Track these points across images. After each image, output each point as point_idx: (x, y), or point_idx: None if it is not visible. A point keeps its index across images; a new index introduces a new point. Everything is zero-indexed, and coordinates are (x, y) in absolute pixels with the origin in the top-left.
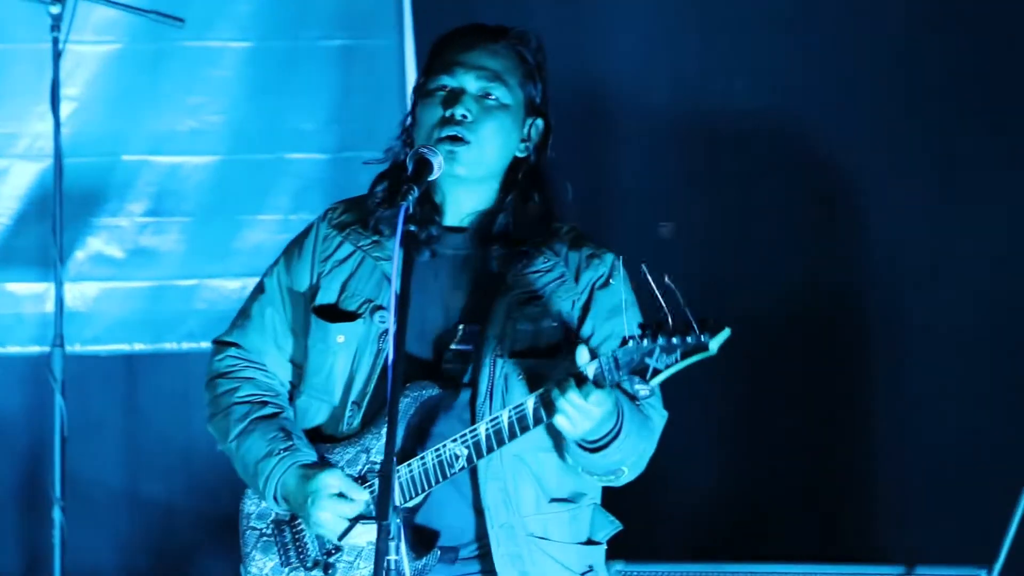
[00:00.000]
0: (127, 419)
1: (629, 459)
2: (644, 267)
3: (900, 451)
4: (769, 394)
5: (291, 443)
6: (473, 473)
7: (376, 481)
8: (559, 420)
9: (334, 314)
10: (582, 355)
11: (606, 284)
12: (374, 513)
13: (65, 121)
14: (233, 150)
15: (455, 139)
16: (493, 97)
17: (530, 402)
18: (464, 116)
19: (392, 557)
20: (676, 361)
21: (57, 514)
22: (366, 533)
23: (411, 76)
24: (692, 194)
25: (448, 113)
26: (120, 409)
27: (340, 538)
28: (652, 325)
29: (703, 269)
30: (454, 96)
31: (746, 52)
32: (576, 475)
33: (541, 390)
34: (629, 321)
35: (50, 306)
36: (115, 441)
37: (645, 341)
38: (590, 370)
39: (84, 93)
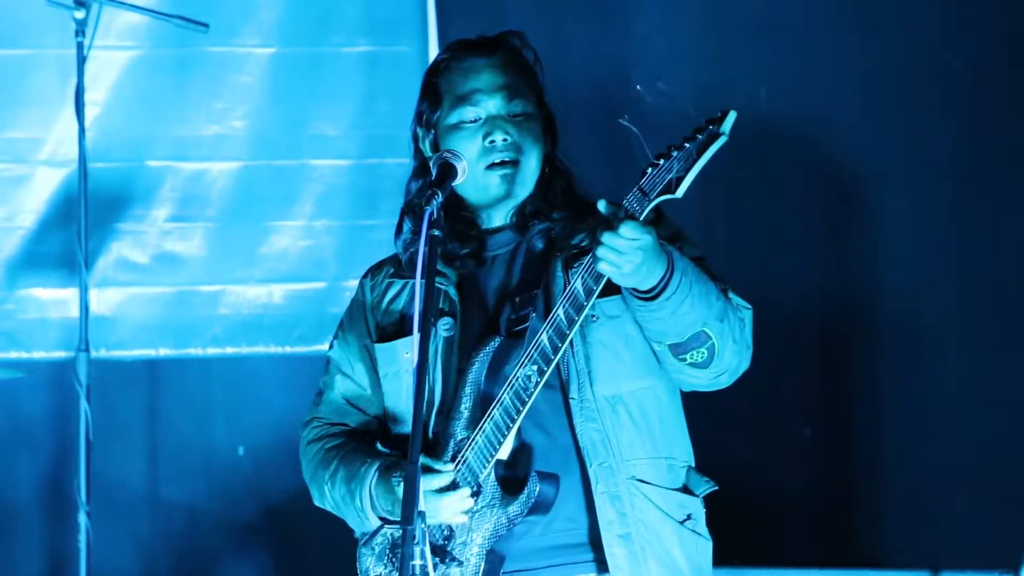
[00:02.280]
0: (151, 424)
1: (708, 318)
2: (660, 83)
3: (925, 454)
4: (788, 396)
5: (367, 457)
6: (571, 426)
7: (468, 455)
8: (606, 270)
9: (396, 336)
10: (601, 203)
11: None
12: (467, 480)
13: (89, 126)
14: (257, 156)
15: (505, 163)
16: (519, 112)
17: (577, 282)
18: (506, 139)
19: (417, 562)
20: (694, 161)
21: (83, 519)
22: (457, 503)
23: None
24: (713, 197)
25: (489, 141)
26: (144, 414)
27: (366, 543)
28: (665, 149)
29: (722, 271)
30: (488, 123)
31: (768, 57)
32: (673, 426)
33: (578, 264)
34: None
35: (75, 311)
36: (139, 446)
37: (661, 161)
38: (620, 210)
39: (108, 98)
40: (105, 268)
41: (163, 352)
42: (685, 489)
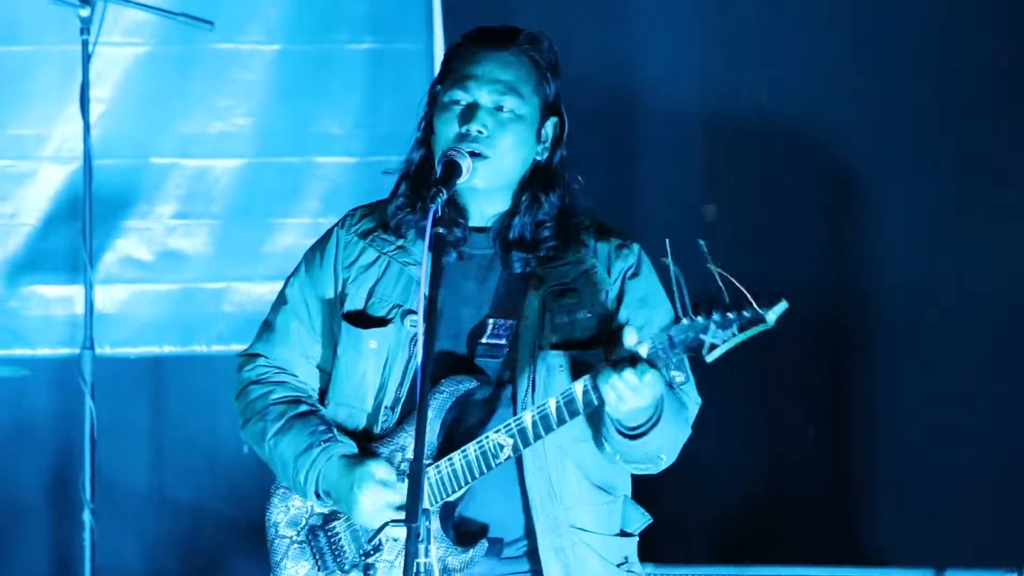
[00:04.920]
0: (155, 421)
1: (666, 446)
2: (701, 243)
3: (928, 452)
4: (791, 395)
5: (331, 435)
6: (519, 466)
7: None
8: (610, 399)
9: (364, 320)
10: (630, 336)
11: (636, 274)
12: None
13: (94, 123)
14: (262, 153)
15: (473, 154)
16: (507, 109)
17: (578, 386)
18: (480, 131)
19: (422, 560)
20: (733, 335)
21: (87, 517)
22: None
23: None
24: (716, 195)
25: (464, 129)
26: (148, 411)
27: (370, 540)
28: (705, 301)
29: (726, 271)
30: (469, 111)
31: (771, 57)
32: (612, 464)
33: (591, 374)
34: (667, 309)
35: (80, 308)
36: (143, 443)
37: (700, 317)
38: (643, 349)
39: (113, 95)
40: (110, 265)
41: (168, 349)
42: (622, 533)
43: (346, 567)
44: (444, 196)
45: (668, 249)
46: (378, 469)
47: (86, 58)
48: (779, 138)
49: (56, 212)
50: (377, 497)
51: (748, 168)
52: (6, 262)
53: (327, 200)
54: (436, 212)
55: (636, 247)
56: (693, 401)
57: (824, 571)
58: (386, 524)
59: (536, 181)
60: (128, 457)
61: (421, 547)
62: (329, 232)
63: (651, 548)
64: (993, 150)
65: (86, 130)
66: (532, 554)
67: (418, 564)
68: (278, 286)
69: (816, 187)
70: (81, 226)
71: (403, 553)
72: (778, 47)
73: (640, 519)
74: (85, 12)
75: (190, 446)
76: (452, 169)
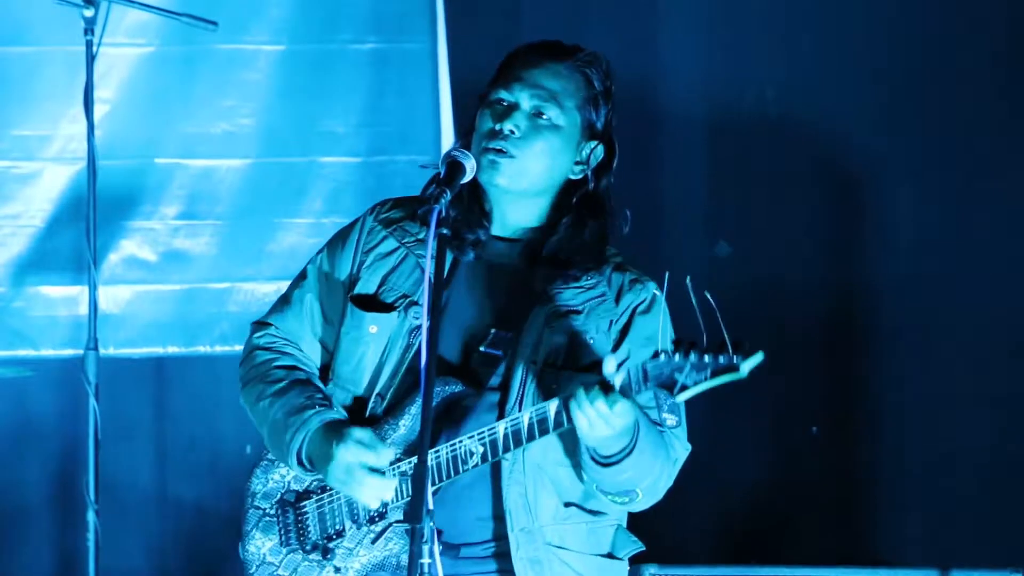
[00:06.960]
0: (159, 422)
1: (643, 481)
2: (688, 281)
3: (933, 452)
4: (795, 395)
5: (327, 402)
6: (496, 477)
7: (394, 468)
8: (579, 422)
9: (370, 305)
10: (609, 364)
11: (647, 311)
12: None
13: (98, 124)
14: (266, 153)
15: (499, 151)
16: (545, 117)
17: (552, 405)
18: (512, 131)
19: (426, 560)
20: (705, 379)
21: (91, 517)
22: (379, 489)
23: (444, 80)
24: (721, 196)
25: (498, 127)
26: (152, 412)
27: (374, 542)
28: (685, 342)
29: (732, 271)
30: (507, 111)
31: (776, 58)
32: (594, 496)
33: (565, 393)
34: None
35: (84, 309)
36: (147, 444)
37: (676, 356)
38: (618, 379)
39: (117, 96)
40: (114, 266)
41: (172, 350)
42: (609, 555)
43: (307, 547)
44: (448, 196)
45: (665, 282)
46: (360, 432)
47: (90, 59)
48: (784, 138)
49: (60, 213)
50: (354, 454)
51: (752, 168)
52: (10, 263)
53: (331, 200)
54: (440, 212)
55: (652, 285)
56: (683, 446)
57: (828, 572)
58: (390, 524)
59: (581, 205)
60: (132, 457)
61: (425, 548)
62: (359, 217)
63: (654, 549)
64: (996, 150)
65: (90, 131)
66: (501, 556)
67: (422, 565)
68: (283, 286)
69: (820, 186)
70: (85, 227)
71: (362, 544)
72: (783, 47)
73: (631, 545)
74: (89, 13)
75: (194, 446)
76: (455, 169)
